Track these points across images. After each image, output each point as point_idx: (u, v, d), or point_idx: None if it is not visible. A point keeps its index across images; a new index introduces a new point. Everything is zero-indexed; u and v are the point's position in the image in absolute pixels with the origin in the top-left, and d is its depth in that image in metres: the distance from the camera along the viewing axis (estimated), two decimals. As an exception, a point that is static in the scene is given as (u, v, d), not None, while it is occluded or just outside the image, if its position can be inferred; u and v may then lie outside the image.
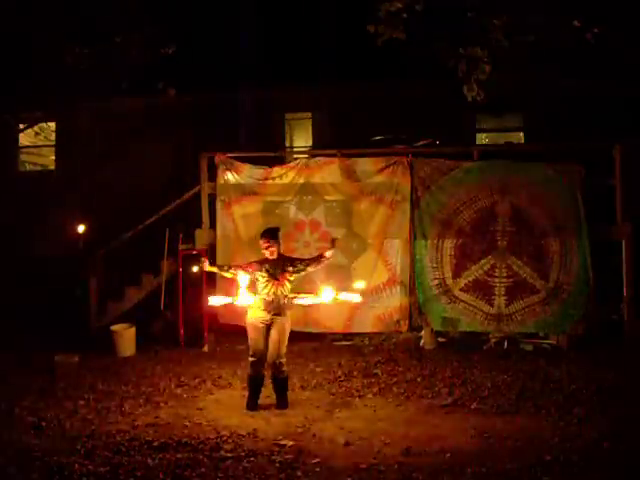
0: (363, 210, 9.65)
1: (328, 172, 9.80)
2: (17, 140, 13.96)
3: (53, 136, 13.94)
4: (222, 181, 10.07)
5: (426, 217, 9.44)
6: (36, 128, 13.67)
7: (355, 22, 8.39)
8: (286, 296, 6.44)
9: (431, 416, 6.14)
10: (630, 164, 9.11)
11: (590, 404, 6.30)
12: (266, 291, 6.40)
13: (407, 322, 9.41)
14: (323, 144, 11.88)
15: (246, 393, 6.63)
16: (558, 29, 7.59)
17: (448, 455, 5.06)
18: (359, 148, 10.14)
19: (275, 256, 6.47)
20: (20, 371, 8.08)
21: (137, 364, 8.53)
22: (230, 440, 5.49)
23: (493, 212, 9.28)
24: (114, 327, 9.33)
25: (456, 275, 9.30)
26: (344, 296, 6.65)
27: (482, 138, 13.18)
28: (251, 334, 6.48)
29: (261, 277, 6.43)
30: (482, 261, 9.23)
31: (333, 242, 6.71)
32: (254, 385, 6.51)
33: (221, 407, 6.55)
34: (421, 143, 10.66)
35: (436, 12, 7.53)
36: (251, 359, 6.49)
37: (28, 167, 14.61)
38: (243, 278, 6.41)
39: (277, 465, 4.93)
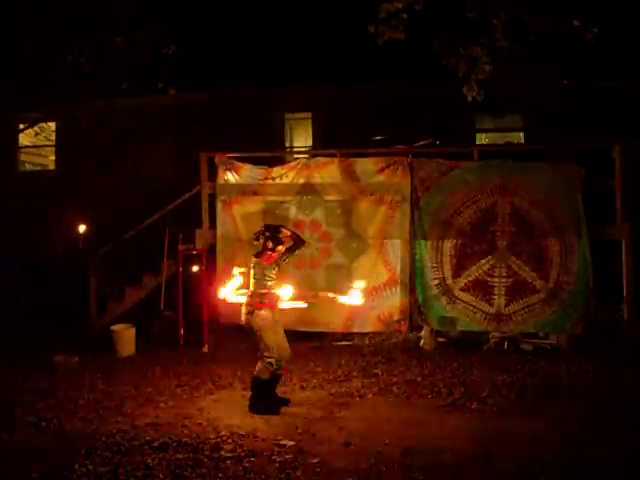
0: (363, 210, 9.65)
1: (328, 172, 9.79)
2: (17, 140, 13.97)
3: (53, 136, 13.95)
4: (222, 181, 10.08)
5: (426, 217, 9.44)
6: (36, 128, 13.69)
7: (355, 22, 8.39)
8: None
9: (431, 416, 6.14)
10: (630, 164, 9.11)
11: (590, 404, 6.30)
12: (273, 286, 6.37)
13: (407, 322, 9.41)
14: (323, 144, 11.88)
15: (246, 393, 6.60)
16: (558, 29, 7.58)
17: (448, 455, 5.06)
18: (359, 148, 10.14)
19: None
20: (20, 371, 8.08)
21: (137, 364, 8.53)
22: (230, 440, 5.48)
23: (493, 212, 9.27)
24: (114, 327, 9.33)
25: (456, 275, 9.29)
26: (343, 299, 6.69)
27: (482, 138, 13.17)
28: (276, 335, 6.31)
29: (274, 273, 6.40)
30: (482, 261, 9.23)
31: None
32: (273, 386, 6.44)
33: (221, 407, 6.55)
34: (421, 143, 10.66)
35: (436, 12, 7.52)
36: (273, 359, 6.24)
37: (28, 167, 14.62)
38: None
39: (277, 465, 4.93)
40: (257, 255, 6.41)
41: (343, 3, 11.13)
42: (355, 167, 9.73)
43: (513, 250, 9.15)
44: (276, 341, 6.29)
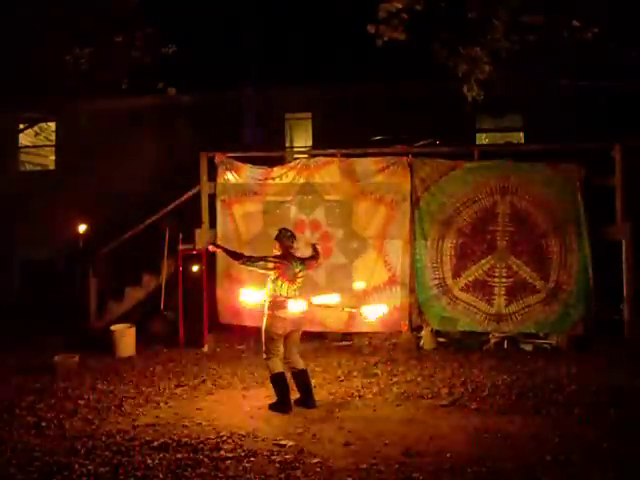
0: (363, 210, 9.64)
1: (328, 172, 9.79)
2: (17, 140, 13.98)
3: (53, 136, 13.96)
4: (222, 181, 10.08)
5: (426, 217, 9.44)
6: (36, 128, 13.71)
7: (355, 22, 8.39)
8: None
9: (431, 416, 6.14)
10: (630, 164, 9.11)
11: (590, 404, 6.30)
12: None
13: (407, 322, 9.41)
14: (323, 144, 11.87)
15: (246, 393, 6.62)
16: (558, 29, 7.58)
17: (448, 455, 5.06)
18: (359, 148, 10.13)
19: None
20: (20, 371, 8.08)
21: (137, 364, 8.53)
22: (230, 440, 5.48)
23: (493, 212, 9.27)
24: (114, 327, 9.33)
25: (456, 275, 9.30)
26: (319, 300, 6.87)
27: (482, 138, 13.19)
28: None
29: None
30: (482, 261, 9.23)
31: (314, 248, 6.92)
32: None
33: (221, 407, 6.55)
34: (421, 143, 10.66)
35: (436, 12, 7.53)
36: None
37: (28, 167, 14.63)
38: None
39: (277, 465, 4.93)
40: (306, 260, 6.65)
41: (343, 3, 11.14)
42: (355, 167, 9.73)
43: (513, 250, 9.16)
44: None
